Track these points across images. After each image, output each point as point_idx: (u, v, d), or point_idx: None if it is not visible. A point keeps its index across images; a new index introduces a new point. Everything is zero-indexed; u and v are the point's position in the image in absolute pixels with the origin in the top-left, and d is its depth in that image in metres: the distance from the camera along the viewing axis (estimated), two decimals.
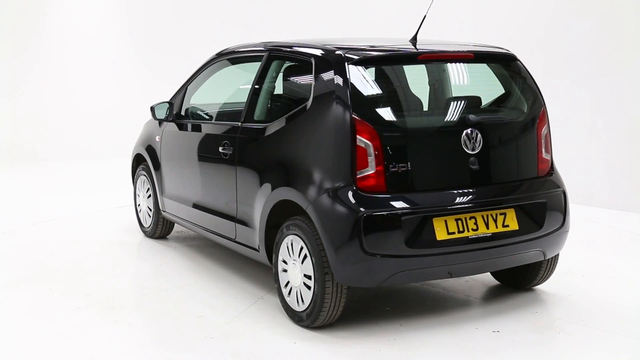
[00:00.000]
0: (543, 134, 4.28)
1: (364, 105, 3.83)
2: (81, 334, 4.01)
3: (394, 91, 4.14)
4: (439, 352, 3.76)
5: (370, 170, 3.74)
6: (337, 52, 4.02)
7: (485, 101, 4.39)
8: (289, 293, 4.16)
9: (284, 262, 4.18)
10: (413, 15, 9.41)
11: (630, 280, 5.02)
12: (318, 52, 4.15)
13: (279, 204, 4.17)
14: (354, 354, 3.74)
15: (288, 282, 4.16)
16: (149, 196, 6.07)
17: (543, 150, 4.28)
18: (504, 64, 4.46)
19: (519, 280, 4.65)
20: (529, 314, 4.27)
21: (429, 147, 3.93)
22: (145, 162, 6.06)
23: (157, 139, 5.84)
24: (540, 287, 4.74)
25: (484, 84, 4.57)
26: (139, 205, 6.32)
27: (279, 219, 4.25)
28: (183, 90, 5.57)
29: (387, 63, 4.15)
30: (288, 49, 4.53)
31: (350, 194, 3.72)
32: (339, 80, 3.87)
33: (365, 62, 3.95)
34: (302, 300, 4.04)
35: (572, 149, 8.00)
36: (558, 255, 4.49)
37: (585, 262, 5.41)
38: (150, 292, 4.80)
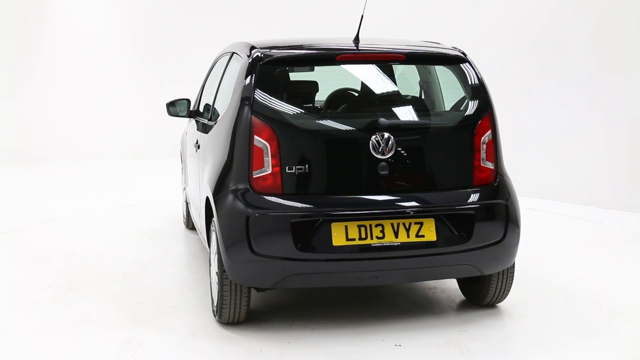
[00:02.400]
0: (483, 141, 3.95)
1: (265, 105, 3.80)
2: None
3: (301, 92, 4.12)
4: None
5: (266, 171, 3.72)
6: (254, 53, 3.99)
7: (416, 104, 4.27)
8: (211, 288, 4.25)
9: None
10: (416, 15, 9.45)
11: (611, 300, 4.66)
12: (245, 53, 4.12)
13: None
14: (237, 352, 3.74)
15: None
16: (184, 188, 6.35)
17: (482, 158, 3.94)
18: (446, 66, 4.24)
19: (474, 296, 4.38)
20: (452, 331, 3.98)
21: (332, 150, 3.80)
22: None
23: (186, 134, 6.13)
24: (506, 305, 4.39)
25: (417, 87, 4.41)
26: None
27: None
28: (202, 86, 5.69)
29: (302, 64, 4.15)
30: (236, 49, 4.51)
31: (243, 194, 3.72)
32: (249, 80, 3.87)
33: (277, 63, 3.94)
34: (214, 296, 4.12)
35: (572, 149, 7.99)
36: (510, 271, 4.15)
37: (588, 268, 5.29)
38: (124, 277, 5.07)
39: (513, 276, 4.20)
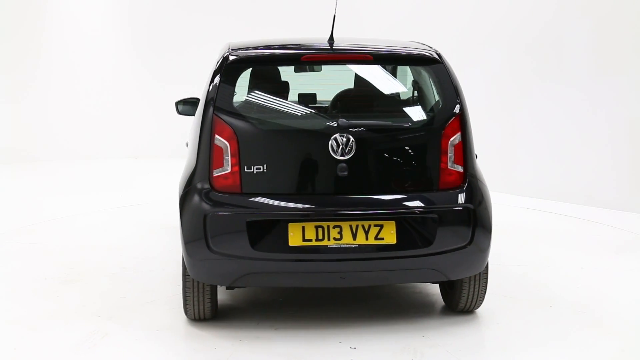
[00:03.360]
0: (451, 144, 3.84)
1: (228, 105, 3.83)
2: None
3: (270, 93, 4.12)
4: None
5: (226, 170, 3.75)
6: (224, 53, 4.01)
7: (382, 105, 4.21)
8: None
9: None
10: (419, 15, 9.42)
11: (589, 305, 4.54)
12: (222, 53, 4.14)
13: None
14: (191, 347, 3.78)
15: None
16: None
17: (450, 161, 3.84)
18: (416, 67, 4.18)
19: (448, 301, 4.30)
20: (415, 337, 3.88)
21: (291, 151, 3.79)
22: None
23: None
24: (485, 311, 4.26)
25: (384, 88, 4.33)
26: None
27: None
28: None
29: (267, 64, 4.16)
30: (221, 49, 4.54)
31: (204, 192, 3.77)
32: (216, 80, 3.89)
33: (242, 63, 3.95)
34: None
35: (572, 149, 7.96)
36: (482, 277, 4.04)
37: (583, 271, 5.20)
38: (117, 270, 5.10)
39: (486, 282, 4.09)
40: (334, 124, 3.76)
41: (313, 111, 4.23)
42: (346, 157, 3.72)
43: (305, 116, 4.15)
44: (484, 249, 3.87)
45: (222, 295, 4.45)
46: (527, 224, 6.86)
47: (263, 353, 3.69)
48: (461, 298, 4.12)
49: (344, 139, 3.72)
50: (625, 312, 4.37)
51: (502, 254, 5.69)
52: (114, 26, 12.02)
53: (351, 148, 3.72)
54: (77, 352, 3.68)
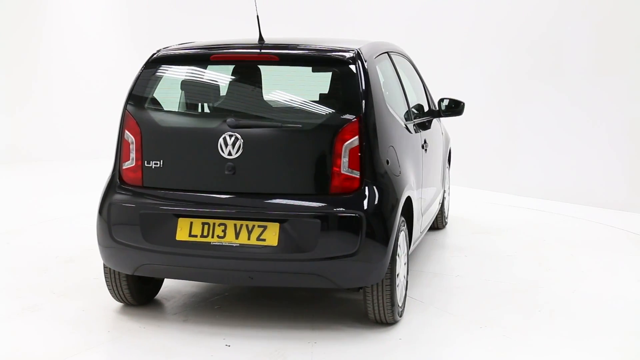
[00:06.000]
0: (346, 148, 3.74)
1: (138, 101, 4.06)
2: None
3: (173, 91, 4.20)
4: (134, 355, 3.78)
5: (131, 164, 3.98)
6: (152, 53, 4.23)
7: (277, 105, 4.19)
8: None
9: None
10: (424, 16, 9.40)
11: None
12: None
13: None
14: (86, 326, 4.07)
15: None
16: None
17: (344, 165, 3.75)
18: (323, 69, 4.15)
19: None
20: (300, 343, 3.82)
21: (185, 148, 3.92)
22: None
23: None
24: (409, 325, 4.09)
25: (286, 88, 4.28)
26: None
27: None
28: None
29: (180, 63, 4.24)
30: None
31: (113, 184, 4.04)
32: (135, 79, 4.15)
33: (158, 62, 4.14)
34: None
35: (572, 149, 7.95)
36: (385, 289, 3.86)
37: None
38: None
39: (390, 295, 3.89)
40: (224, 123, 3.84)
41: (209, 111, 4.32)
42: (233, 157, 3.79)
43: (201, 115, 4.29)
44: (373, 261, 3.73)
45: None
46: (527, 223, 6.87)
47: (136, 345, 3.83)
48: (367, 307, 3.99)
49: (232, 138, 3.79)
50: (625, 312, 4.38)
51: (502, 253, 5.71)
52: (114, 26, 11.99)
53: (239, 147, 3.78)
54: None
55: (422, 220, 4.84)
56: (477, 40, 8.77)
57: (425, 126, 5.21)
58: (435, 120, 5.73)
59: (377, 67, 4.23)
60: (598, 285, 4.89)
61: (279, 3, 10.72)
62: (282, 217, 3.72)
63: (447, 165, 6.49)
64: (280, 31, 9.93)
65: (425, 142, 4.96)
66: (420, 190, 4.68)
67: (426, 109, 5.57)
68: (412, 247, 4.57)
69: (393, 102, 4.68)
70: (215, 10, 11.66)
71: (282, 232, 3.69)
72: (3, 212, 7.40)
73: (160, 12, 11.93)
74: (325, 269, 3.71)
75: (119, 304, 4.35)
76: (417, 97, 5.59)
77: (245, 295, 4.62)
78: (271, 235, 3.70)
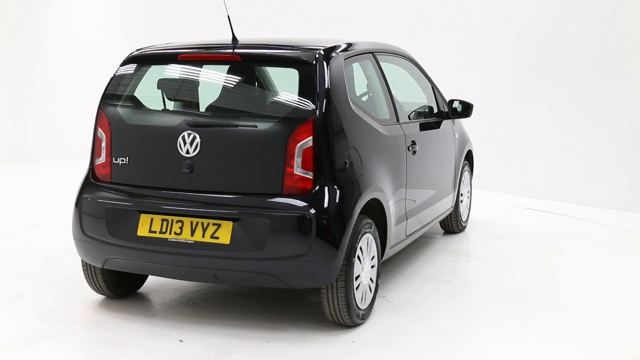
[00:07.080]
0: (299, 148, 3.73)
1: (111, 99, 4.19)
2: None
3: (143, 89, 4.24)
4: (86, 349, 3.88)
5: (102, 160, 4.10)
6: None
7: (236, 105, 4.21)
8: None
9: None
10: (425, 15, 9.29)
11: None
12: None
13: None
14: (62, 317, 4.17)
15: None
16: None
17: (297, 165, 3.73)
18: (284, 68, 4.13)
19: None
20: (253, 342, 3.82)
21: (147, 146, 4.01)
22: None
23: None
24: (375, 329, 4.05)
25: (246, 88, 4.33)
26: None
27: None
28: None
29: (151, 63, 4.32)
30: None
31: (86, 179, 4.16)
32: (111, 77, 4.30)
33: (132, 62, 4.28)
34: None
35: (572, 149, 7.94)
36: (339, 291, 3.84)
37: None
38: None
39: (345, 297, 3.85)
40: (183, 122, 3.91)
41: (172, 109, 4.34)
42: (191, 155, 3.86)
43: (164, 113, 4.29)
44: (324, 262, 3.71)
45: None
46: (526, 223, 6.80)
47: (101, 337, 3.94)
48: (324, 309, 3.97)
49: (191, 137, 3.86)
50: (625, 312, 4.32)
51: (501, 254, 5.64)
52: (114, 25, 11.94)
53: (197, 146, 3.84)
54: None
55: (406, 223, 4.74)
56: (478, 40, 8.73)
57: (423, 127, 5.16)
58: (447, 122, 5.68)
59: (347, 67, 4.18)
60: (598, 285, 4.84)
61: (279, 3, 10.73)
62: (235, 216, 3.75)
63: (467, 167, 6.34)
64: (280, 31, 9.93)
65: (413, 143, 4.84)
66: (402, 192, 4.60)
67: (435, 110, 5.55)
68: (393, 250, 4.55)
69: (368, 104, 4.65)
70: (215, 11, 11.62)
71: (235, 231, 3.73)
72: (4, 211, 7.39)
73: (160, 13, 11.87)
74: (276, 269, 3.72)
75: (100, 297, 4.44)
76: (426, 99, 5.57)
77: (227, 293, 4.60)
78: (224, 233, 3.74)
